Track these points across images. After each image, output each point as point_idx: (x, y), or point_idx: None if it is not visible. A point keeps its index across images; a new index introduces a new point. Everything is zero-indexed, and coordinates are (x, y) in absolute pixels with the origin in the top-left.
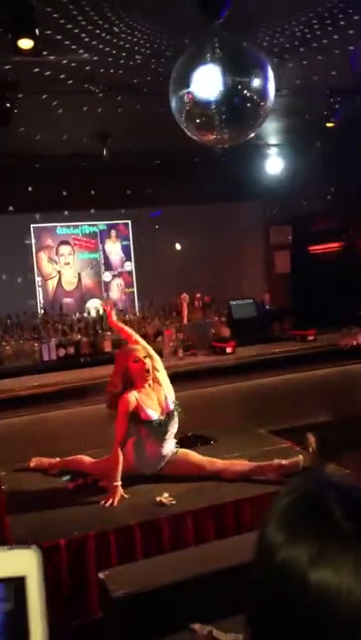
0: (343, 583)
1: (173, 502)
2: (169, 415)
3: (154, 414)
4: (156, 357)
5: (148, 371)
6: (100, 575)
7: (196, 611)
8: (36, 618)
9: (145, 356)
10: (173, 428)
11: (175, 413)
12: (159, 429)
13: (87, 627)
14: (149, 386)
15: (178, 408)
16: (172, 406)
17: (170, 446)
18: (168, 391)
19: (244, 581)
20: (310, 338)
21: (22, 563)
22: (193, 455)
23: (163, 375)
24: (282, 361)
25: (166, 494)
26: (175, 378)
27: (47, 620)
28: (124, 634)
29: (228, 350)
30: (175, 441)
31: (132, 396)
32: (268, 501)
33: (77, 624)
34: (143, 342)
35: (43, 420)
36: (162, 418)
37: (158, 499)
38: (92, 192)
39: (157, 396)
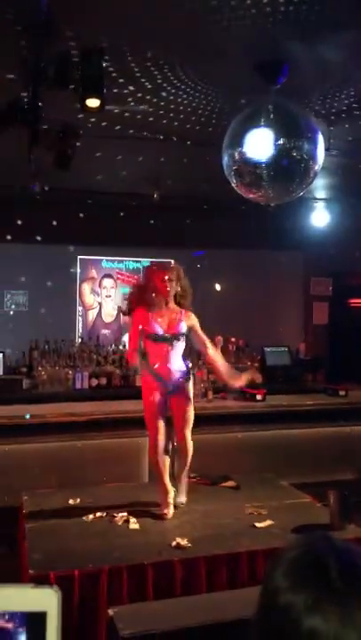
0: (330, 630)
1: (189, 546)
2: (174, 335)
3: (159, 329)
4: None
5: (168, 293)
6: (110, 611)
7: None
8: None
9: (171, 280)
10: (178, 348)
11: (181, 338)
12: (159, 341)
13: None
14: (166, 305)
15: (187, 334)
16: (182, 330)
17: (176, 366)
18: (187, 321)
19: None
20: (342, 393)
21: (44, 600)
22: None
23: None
24: (311, 414)
25: (183, 538)
26: (203, 420)
27: None
28: None
29: (259, 397)
30: (184, 370)
31: (142, 311)
32: None
33: None
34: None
35: (69, 449)
36: (166, 335)
37: (175, 542)
38: (140, 230)
39: (170, 317)
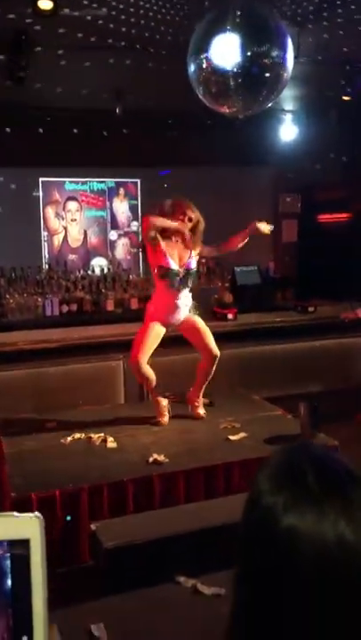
0: (307, 527)
1: (166, 461)
2: (187, 272)
3: (173, 265)
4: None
5: (182, 232)
6: (92, 526)
7: (182, 565)
8: (37, 574)
9: (190, 220)
10: (188, 284)
11: (192, 274)
12: (174, 278)
13: (77, 573)
14: (177, 242)
15: (196, 272)
16: (192, 266)
17: (184, 301)
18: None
19: (228, 540)
20: (311, 309)
21: (27, 527)
22: (202, 324)
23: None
24: (281, 330)
25: (160, 454)
26: (175, 341)
27: (46, 576)
28: (111, 582)
29: (230, 317)
30: (191, 303)
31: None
32: (257, 465)
33: (67, 570)
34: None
35: (42, 375)
36: (179, 270)
37: (152, 458)
38: (103, 148)
39: (181, 254)
